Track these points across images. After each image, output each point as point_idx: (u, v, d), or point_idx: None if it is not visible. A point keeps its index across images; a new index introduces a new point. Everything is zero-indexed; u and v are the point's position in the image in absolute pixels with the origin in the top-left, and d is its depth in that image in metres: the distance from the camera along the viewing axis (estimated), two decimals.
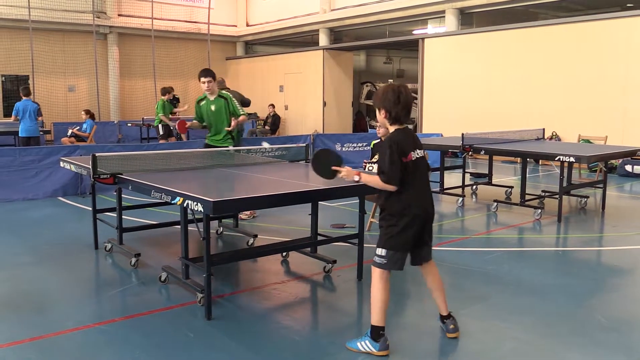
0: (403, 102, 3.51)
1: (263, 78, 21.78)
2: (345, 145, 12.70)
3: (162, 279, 4.87)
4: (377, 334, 3.53)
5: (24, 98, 11.35)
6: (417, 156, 3.54)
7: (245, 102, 10.30)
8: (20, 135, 11.29)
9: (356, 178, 3.66)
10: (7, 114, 17.92)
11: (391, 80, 19.46)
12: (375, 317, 3.54)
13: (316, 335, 3.98)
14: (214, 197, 3.74)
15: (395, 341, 3.74)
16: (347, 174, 3.70)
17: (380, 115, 3.58)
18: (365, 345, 3.55)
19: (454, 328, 3.77)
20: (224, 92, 7.44)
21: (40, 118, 11.77)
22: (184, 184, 4.62)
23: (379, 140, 6.74)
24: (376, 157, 6.64)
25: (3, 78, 18.86)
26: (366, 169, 6.39)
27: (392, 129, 3.59)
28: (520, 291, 4.74)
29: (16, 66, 18.56)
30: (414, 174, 3.51)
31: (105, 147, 10.10)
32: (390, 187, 3.48)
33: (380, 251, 3.56)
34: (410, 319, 4.31)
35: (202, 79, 7.08)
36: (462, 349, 3.71)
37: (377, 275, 3.56)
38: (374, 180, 3.55)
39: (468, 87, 15.27)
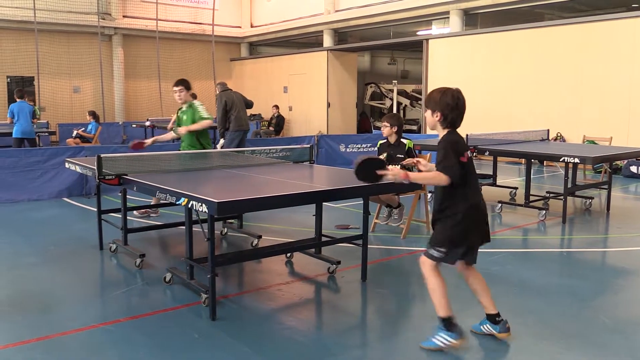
0: (460, 108, 3.57)
1: (267, 79, 21.81)
2: (349, 146, 12.70)
3: (167, 279, 4.88)
4: (449, 324, 3.58)
5: (18, 100, 11.40)
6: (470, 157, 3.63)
7: (249, 104, 10.33)
8: (14, 135, 11.26)
9: (406, 182, 3.62)
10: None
11: (395, 81, 19.42)
12: (441, 309, 3.59)
13: (320, 336, 3.98)
14: (218, 198, 3.75)
15: (397, 343, 3.74)
16: (394, 176, 3.61)
17: (433, 118, 3.59)
18: (442, 339, 3.57)
19: (508, 327, 3.76)
20: (195, 101, 7.28)
21: (35, 120, 11.79)
22: (189, 185, 4.63)
23: (385, 140, 6.75)
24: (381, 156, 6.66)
25: (9, 79, 18.94)
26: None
27: (443, 132, 3.62)
28: (524, 292, 4.74)
29: (21, 67, 18.63)
30: (471, 174, 3.59)
31: (110, 148, 10.13)
32: (445, 182, 3.49)
33: (440, 247, 3.60)
34: (412, 321, 4.31)
35: (174, 88, 7.15)
36: (466, 349, 3.71)
37: (428, 268, 3.62)
38: (429, 176, 3.64)
39: (472, 88, 15.25)
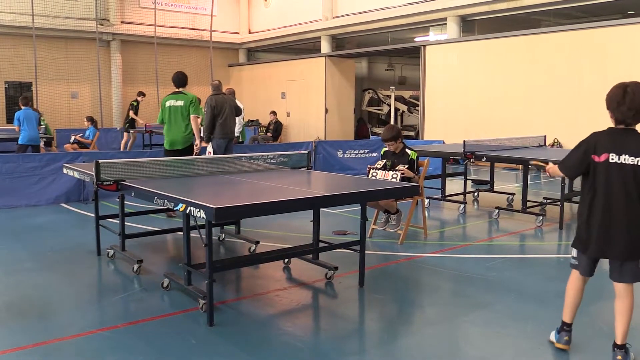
0: (629, 103, 3.26)
1: (265, 85, 21.85)
2: (347, 152, 12.72)
3: (165, 285, 4.88)
4: (562, 327, 3.69)
5: (23, 107, 11.40)
6: (618, 161, 3.31)
7: (237, 111, 10.12)
8: (20, 142, 11.19)
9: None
10: (10, 121, 17.98)
11: (393, 87, 19.46)
12: (564, 311, 3.70)
13: (318, 341, 3.99)
14: (216, 203, 3.76)
15: (394, 348, 3.75)
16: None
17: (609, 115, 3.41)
18: (553, 335, 3.77)
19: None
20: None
21: (40, 127, 11.81)
22: (187, 191, 4.64)
23: (388, 148, 6.76)
24: (380, 163, 6.67)
25: (6, 85, 18.94)
26: (370, 175, 6.41)
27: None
28: (521, 298, 4.74)
29: (19, 73, 18.63)
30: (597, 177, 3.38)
31: (108, 153, 10.12)
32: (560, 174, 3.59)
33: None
34: (410, 327, 4.31)
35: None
36: (464, 355, 3.71)
37: (632, 288, 3.51)
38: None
39: (470, 94, 15.31)
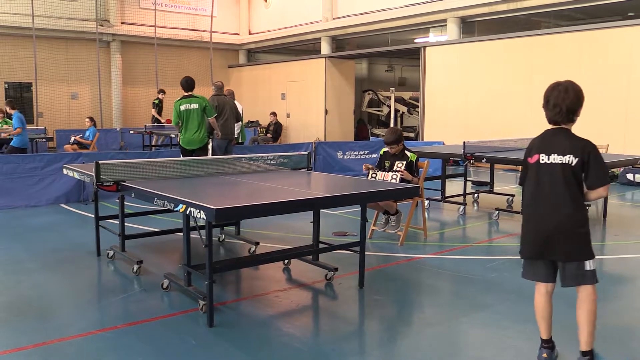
0: (552, 101, 3.30)
1: (265, 86, 21.85)
2: (347, 153, 12.72)
3: (164, 286, 4.88)
4: (542, 344, 3.53)
5: (16, 111, 11.36)
6: (548, 161, 3.31)
7: (237, 117, 10.24)
8: (18, 145, 11.09)
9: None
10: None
11: (392, 89, 19.48)
12: (539, 328, 3.55)
13: (317, 342, 3.99)
14: (216, 204, 3.76)
15: (394, 349, 3.75)
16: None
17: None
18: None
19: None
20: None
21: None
22: (187, 192, 4.64)
23: (388, 149, 6.75)
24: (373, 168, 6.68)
25: (6, 85, 18.94)
26: (369, 177, 6.42)
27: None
28: (521, 299, 4.74)
29: (19, 74, 18.64)
30: (530, 178, 3.42)
31: (107, 154, 10.12)
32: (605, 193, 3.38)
33: (591, 263, 3.33)
34: (410, 328, 4.31)
35: None
36: (463, 356, 3.71)
37: (592, 292, 3.33)
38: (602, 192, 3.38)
39: (470, 95, 15.31)
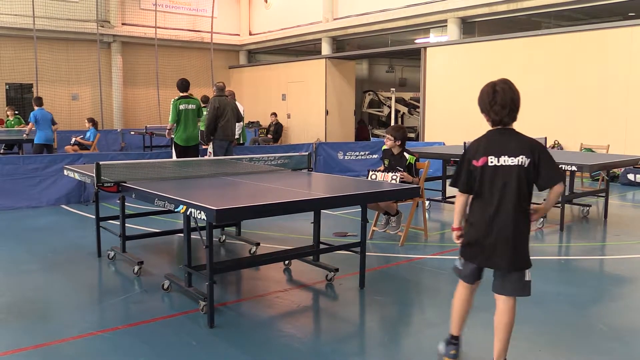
0: (501, 100, 3.13)
1: (265, 87, 21.86)
2: (347, 154, 12.72)
3: (165, 286, 4.88)
4: (450, 340, 3.48)
5: (37, 108, 11.55)
6: (498, 164, 3.14)
7: (238, 118, 10.31)
8: (36, 142, 11.36)
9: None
10: None
11: (393, 89, 19.47)
12: (451, 324, 3.52)
13: (318, 343, 3.99)
14: (217, 205, 3.76)
15: (395, 350, 3.75)
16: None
17: (486, 119, 3.23)
18: (441, 346, 3.53)
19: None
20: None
21: (54, 127, 11.95)
22: (187, 193, 4.64)
23: (388, 147, 6.75)
24: (381, 169, 6.68)
25: (7, 86, 18.96)
26: (369, 177, 6.42)
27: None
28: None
29: (20, 75, 18.66)
30: (483, 182, 3.18)
31: (108, 155, 10.13)
32: (459, 196, 3.33)
33: (529, 273, 3.32)
34: (411, 328, 4.31)
35: None
36: (464, 357, 3.71)
37: (515, 304, 3.29)
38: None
39: (470, 96, 15.20)
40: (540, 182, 3.17)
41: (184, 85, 9.52)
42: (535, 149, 3.14)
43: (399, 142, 6.61)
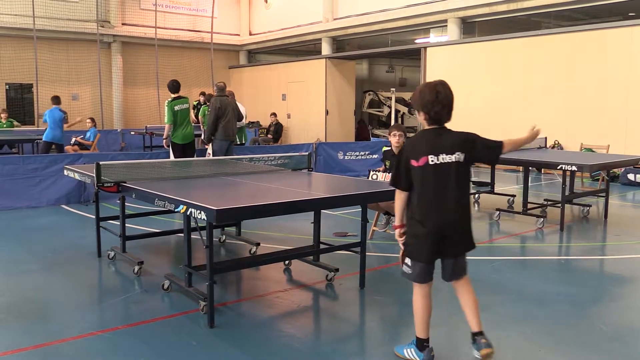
0: (443, 101, 3.29)
1: (266, 87, 21.86)
2: (347, 154, 12.71)
3: (165, 286, 4.88)
4: (421, 345, 3.52)
5: (54, 106, 11.61)
6: (438, 162, 3.31)
7: (239, 116, 10.32)
8: (44, 139, 11.40)
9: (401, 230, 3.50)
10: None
11: (393, 89, 19.47)
12: (417, 329, 3.55)
13: (318, 343, 3.99)
14: (217, 205, 3.76)
15: (392, 347, 3.74)
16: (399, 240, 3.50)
17: (421, 118, 3.40)
18: (410, 352, 3.55)
19: (486, 343, 3.46)
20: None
21: (66, 126, 11.97)
22: (188, 193, 4.64)
23: (389, 148, 6.74)
24: (381, 170, 6.68)
25: (7, 86, 18.95)
26: (370, 177, 6.42)
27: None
28: (522, 300, 4.74)
29: (20, 75, 18.65)
30: (425, 181, 3.33)
31: (108, 155, 10.13)
32: (397, 194, 3.48)
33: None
34: (411, 328, 4.30)
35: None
36: (464, 356, 3.71)
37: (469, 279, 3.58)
38: (395, 203, 3.50)
39: (470, 96, 15.30)
40: (487, 159, 3.61)
41: (175, 86, 9.76)
42: (468, 139, 3.39)
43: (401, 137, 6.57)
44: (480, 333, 3.46)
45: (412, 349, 3.55)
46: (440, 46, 16.52)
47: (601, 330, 4.11)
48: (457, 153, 3.31)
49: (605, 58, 12.67)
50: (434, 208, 3.32)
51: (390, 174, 3.44)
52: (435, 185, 3.31)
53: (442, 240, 3.36)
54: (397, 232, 3.50)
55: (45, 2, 18.24)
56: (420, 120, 3.43)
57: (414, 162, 3.31)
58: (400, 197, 3.43)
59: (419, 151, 3.32)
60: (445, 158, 3.30)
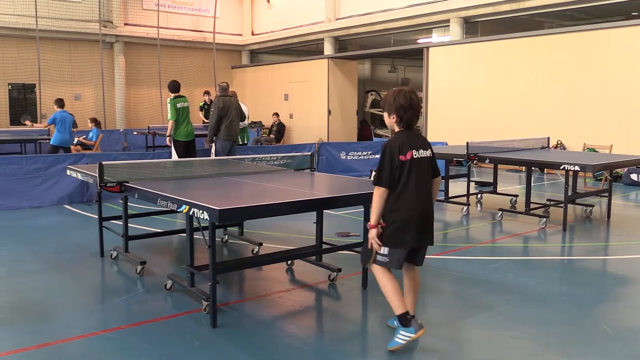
0: (415, 108, 3.66)
1: (268, 87, 21.86)
2: (350, 154, 12.71)
3: (168, 286, 4.88)
4: (405, 320, 3.67)
5: (59, 109, 11.54)
6: (419, 156, 3.68)
7: (242, 116, 10.37)
8: (52, 143, 11.36)
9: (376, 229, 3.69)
10: (14, 122, 18.04)
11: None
12: (396, 307, 3.71)
13: (321, 343, 3.98)
14: (219, 205, 3.76)
15: (400, 350, 3.74)
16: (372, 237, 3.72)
17: (390, 119, 3.71)
18: (402, 336, 3.68)
19: (421, 325, 3.76)
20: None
21: (74, 129, 11.95)
22: (190, 192, 4.65)
23: None
24: None
25: (10, 86, 18.99)
26: (372, 177, 6.41)
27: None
28: (525, 300, 4.74)
29: (23, 75, 18.69)
30: (410, 174, 3.65)
31: (111, 155, 10.15)
32: (381, 194, 3.67)
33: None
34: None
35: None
36: (467, 357, 3.71)
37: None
38: (374, 202, 3.69)
39: (473, 95, 15.30)
40: (433, 173, 3.84)
41: (175, 86, 10.21)
42: (430, 146, 3.85)
43: None
44: (413, 316, 3.79)
45: (401, 332, 3.70)
46: (443, 46, 16.51)
47: (604, 330, 4.10)
48: (429, 150, 3.77)
49: (607, 58, 12.65)
50: (417, 197, 3.65)
51: (374, 174, 3.70)
52: (418, 177, 3.66)
53: (427, 229, 3.73)
54: (373, 232, 3.67)
55: (48, 2, 18.27)
56: (388, 122, 3.75)
57: (402, 157, 3.61)
58: (382, 195, 3.64)
59: (404, 147, 3.63)
60: (423, 153, 3.71)
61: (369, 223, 3.72)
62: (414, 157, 3.64)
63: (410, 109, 3.64)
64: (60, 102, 11.78)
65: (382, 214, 3.67)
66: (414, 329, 3.66)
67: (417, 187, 3.65)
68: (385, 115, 3.75)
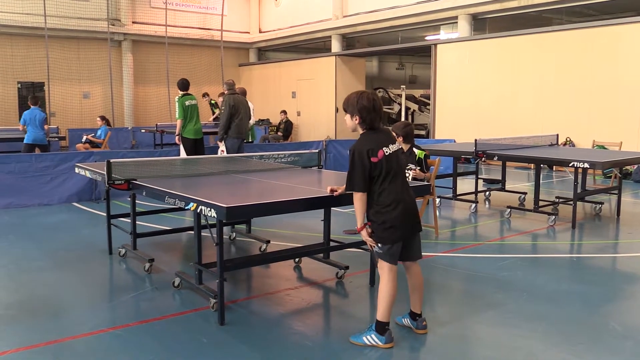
0: (378, 110, 3.74)
1: (275, 84, 21.87)
2: None
3: (176, 284, 4.90)
4: (382, 329, 3.72)
5: (32, 107, 11.45)
6: (390, 151, 3.74)
7: (249, 115, 10.54)
8: (25, 142, 11.18)
9: (365, 229, 3.77)
10: None
11: (403, 87, 19.39)
12: (381, 313, 3.73)
13: (328, 341, 3.98)
14: (227, 203, 3.76)
15: (407, 347, 3.73)
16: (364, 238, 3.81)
17: (353, 121, 3.77)
18: (370, 338, 3.73)
19: (425, 325, 3.95)
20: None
21: (46, 127, 11.77)
22: (198, 190, 4.65)
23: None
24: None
25: (19, 85, 19.09)
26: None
27: (362, 133, 3.83)
28: (533, 298, 4.71)
29: (32, 73, 18.78)
30: (387, 172, 3.72)
31: (119, 153, 10.19)
32: (360, 198, 3.72)
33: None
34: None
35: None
36: (475, 355, 3.69)
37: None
38: (356, 206, 3.75)
39: (481, 92, 15.24)
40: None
41: (184, 84, 10.30)
42: (395, 138, 3.95)
43: (401, 139, 6.56)
44: (420, 314, 3.94)
45: (373, 335, 3.74)
46: (451, 43, 16.45)
47: (614, 328, 4.08)
48: (396, 144, 3.82)
49: (617, 54, 12.56)
50: (399, 192, 3.72)
51: (346, 182, 3.74)
52: (396, 171, 3.74)
53: (415, 219, 3.82)
54: (364, 232, 3.75)
55: (57, 1, 18.34)
56: (351, 124, 3.80)
57: (374, 159, 3.66)
58: (362, 199, 3.68)
59: (374, 149, 3.66)
60: (392, 147, 3.76)
61: (356, 227, 3.76)
62: (386, 154, 3.69)
63: (373, 110, 3.71)
64: (32, 100, 11.71)
65: (368, 215, 3.72)
66: (385, 340, 3.70)
67: (396, 181, 3.72)
68: (347, 117, 3.80)
